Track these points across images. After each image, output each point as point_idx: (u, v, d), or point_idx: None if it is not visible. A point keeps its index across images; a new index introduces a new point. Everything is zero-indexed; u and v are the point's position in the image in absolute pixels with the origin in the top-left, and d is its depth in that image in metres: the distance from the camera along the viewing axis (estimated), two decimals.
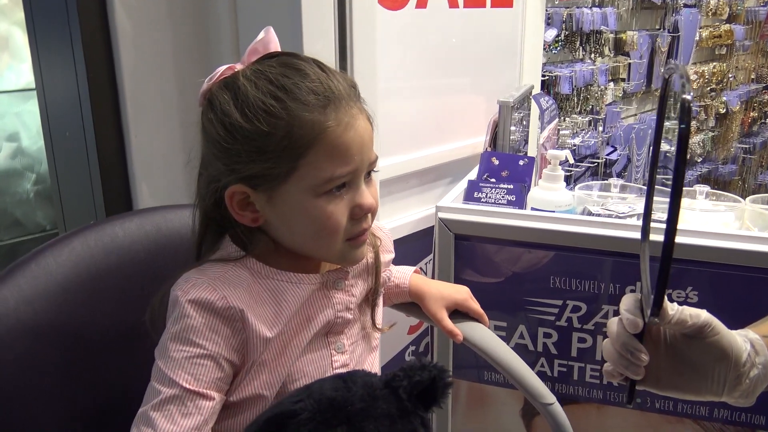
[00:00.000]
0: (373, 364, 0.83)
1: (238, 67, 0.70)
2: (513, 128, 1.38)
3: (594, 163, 2.28)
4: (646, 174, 2.64)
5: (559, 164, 1.21)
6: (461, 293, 0.95)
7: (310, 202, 0.67)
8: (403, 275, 0.95)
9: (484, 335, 0.91)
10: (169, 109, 1.11)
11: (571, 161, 1.21)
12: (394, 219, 1.47)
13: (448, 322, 0.91)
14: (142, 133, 1.09)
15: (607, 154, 2.35)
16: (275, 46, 0.71)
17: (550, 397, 0.87)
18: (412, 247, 1.51)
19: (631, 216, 1.16)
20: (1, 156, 2.34)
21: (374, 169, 0.72)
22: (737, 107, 3.43)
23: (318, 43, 1.05)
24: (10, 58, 2.22)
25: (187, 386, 0.64)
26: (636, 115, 2.70)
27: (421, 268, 1.57)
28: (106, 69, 1.05)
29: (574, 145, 2.16)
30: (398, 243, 1.47)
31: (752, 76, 3.75)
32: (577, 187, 1.23)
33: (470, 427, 1.34)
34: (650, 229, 0.71)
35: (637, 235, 1.12)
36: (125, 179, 1.10)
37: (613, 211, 1.17)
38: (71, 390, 0.78)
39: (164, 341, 0.67)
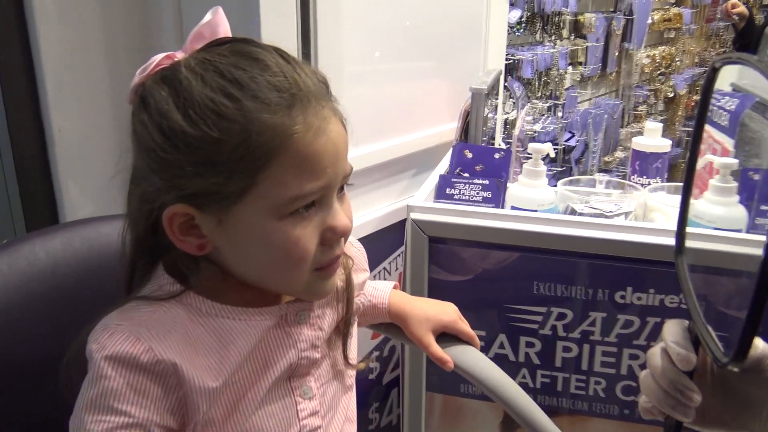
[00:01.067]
0: (348, 407, 0.71)
1: (179, 56, 0.56)
2: (489, 115, 1.28)
3: (554, 149, 2.21)
4: (601, 160, 2.61)
5: (541, 158, 1.11)
6: (448, 313, 0.83)
7: (272, 225, 0.54)
8: (381, 293, 0.82)
9: (477, 362, 0.80)
10: (99, 100, 0.94)
11: (552, 155, 1.11)
12: (357, 216, 1.34)
13: (436, 348, 0.79)
14: (67, 128, 0.92)
15: (566, 141, 2.29)
16: (225, 30, 0.58)
17: None
18: (378, 245, 1.39)
19: (618, 215, 1.07)
20: None
21: (347, 183, 0.59)
22: (683, 91, 3.45)
23: (276, 25, 0.91)
24: None
25: None
26: (591, 99, 2.64)
27: (385, 269, 1.45)
28: (20, 53, 0.87)
29: (535, 132, 2.08)
30: (363, 242, 1.37)
31: (696, 60, 3.78)
32: (559, 183, 1.13)
33: None
34: (686, 235, 0.61)
35: (627, 236, 1.05)
36: (48, 184, 0.93)
37: (600, 210, 1.08)
38: None
39: (78, 410, 0.53)
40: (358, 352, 1.47)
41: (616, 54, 2.65)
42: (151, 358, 0.52)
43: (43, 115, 0.92)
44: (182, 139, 0.52)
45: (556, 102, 2.18)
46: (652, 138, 1.22)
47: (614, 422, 1.12)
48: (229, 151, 0.51)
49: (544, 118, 2.13)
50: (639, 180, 1.23)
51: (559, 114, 2.22)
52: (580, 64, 2.36)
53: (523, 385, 1.13)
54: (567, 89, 2.28)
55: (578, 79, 2.38)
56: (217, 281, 0.59)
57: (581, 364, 1.10)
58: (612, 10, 2.61)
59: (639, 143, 1.23)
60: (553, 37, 2.10)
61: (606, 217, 1.07)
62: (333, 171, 0.55)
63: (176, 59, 0.55)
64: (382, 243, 1.40)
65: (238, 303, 0.59)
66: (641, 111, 3.00)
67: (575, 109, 2.39)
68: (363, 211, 1.35)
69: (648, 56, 2.95)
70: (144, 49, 0.97)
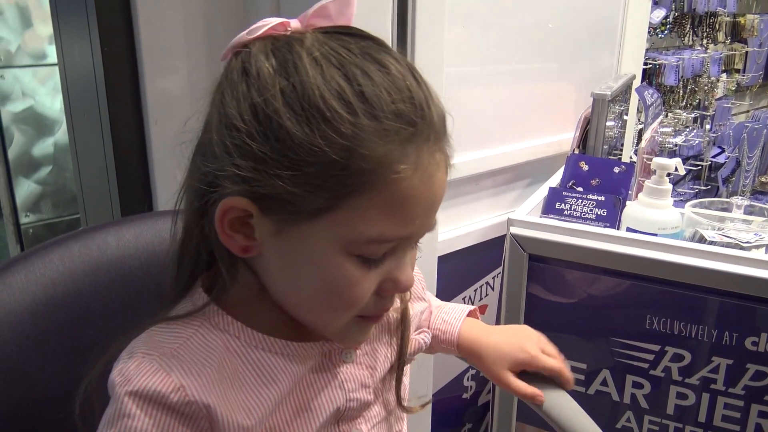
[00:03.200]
0: None
1: (294, 25, 0.48)
2: (610, 123, 1.15)
3: (697, 165, 1.98)
4: (756, 180, 2.32)
5: (667, 176, 0.97)
6: (527, 349, 0.70)
7: (336, 258, 0.47)
8: (451, 326, 0.72)
9: (563, 407, 0.69)
10: (194, 94, 0.95)
11: (682, 172, 0.97)
12: (459, 226, 1.27)
13: (518, 385, 0.68)
14: (163, 119, 0.93)
15: (713, 156, 2.05)
16: (352, 14, 0.49)
17: None
18: (479, 259, 1.31)
19: (758, 247, 0.92)
20: (63, 130, 2.28)
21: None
22: None
23: (371, 17, 0.86)
24: None
25: None
26: (749, 111, 2.36)
27: (488, 283, 1.36)
28: (123, 39, 0.89)
29: (676, 145, 1.87)
30: (463, 254, 1.28)
31: None
32: (687, 205, 0.99)
33: None
34: None
35: (766, 273, 0.89)
36: (144, 174, 0.95)
37: (734, 239, 0.93)
38: None
39: None
40: (449, 368, 1.40)
41: None
42: (182, 398, 0.46)
43: (142, 107, 0.94)
44: (276, 132, 0.44)
45: (704, 113, 1.96)
46: None
47: None
48: (323, 163, 0.44)
49: (688, 130, 1.92)
50: None
51: (707, 126, 1.99)
52: (738, 71, 2.11)
53: (627, 430, 1.01)
54: (719, 99, 2.04)
55: (734, 89, 2.12)
56: (250, 296, 0.52)
57: (699, 415, 0.95)
58: None
59: None
60: (705, 41, 1.89)
61: (742, 248, 0.92)
62: (422, 223, 0.48)
63: (290, 30, 0.48)
64: (487, 256, 1.31)
65: (276, 333, 0.52)
66: None
67: (728, 122, 2.14)
68: (465, 221, 1.27)
69: None
70: (243, 21, 0.96)
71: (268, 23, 0.47)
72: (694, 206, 0.99)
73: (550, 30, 1.30)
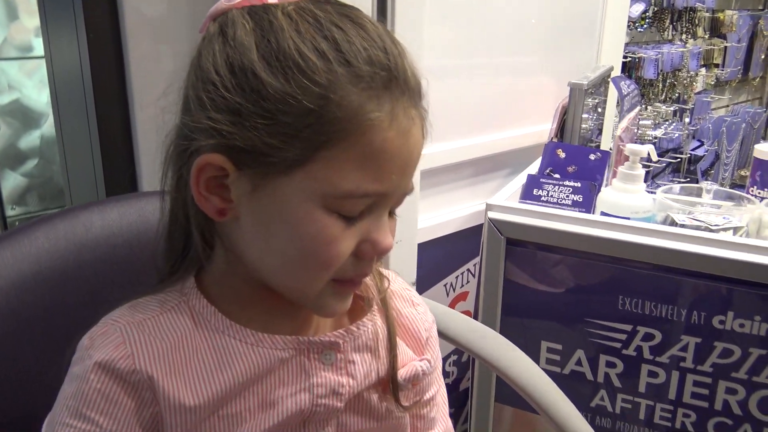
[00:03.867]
0: None
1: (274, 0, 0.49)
2: (585, 116, 1.18)
3: (676, 158, 2.02)
4: (735, 173, 2.36)
5: (640, 161, 1.00)
6: None
7: (311, 212, 0.46)
8: None
9: (523, 367, 0.72)
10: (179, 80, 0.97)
11: (655, 158, 1.00)
12: (440, 213, 1.29)
13: None
14: (147, 101, 0.95)
15: (693, 149, 2.09)
16: None
17: None
18: (461, 246, 1.33)
19: (726, 229, 0.95)
20: (49, 123, 2.29)
21: (400, 205, 0.52)
22: None
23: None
24: None
25: None
26: (729, 106, 2.40)
27: (469, 270, 1.39)
28: (110, 38, 0.91)
29: (656, 138, 1.91)
30: (444, 241, 1.31)
31: None
32: (659, 190, 1.02)
33: None
34: None
35: (733, 254, 0.92)
36: (131, 165, 0.96)
37: (704, 222, 0.96)
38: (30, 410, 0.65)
39: (56, 404, 0.50)
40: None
41: (762, 57, 2.39)
42: (128, 365, 0.48)
43: (128, 98, 0.96)
44: (251, 82, 0.45)
45: (683, 107, 2.00)
46: None
47: None
48: (298, 113, 0.44)
49: (668, 123, 1.95)
50: (759, 193, 1.08)
51: (686, 120, 2.03)
52: (717, 66, 2.15)
53: (601, 409, 1.04)
54: (698, 93, 2.08)
55: (713, 83, 2.16)
56: (228, 273, 0.53)
57: (668, 392, 0.99)
58: (761, 8, 2.36)
59: (762, 150, 1.08)
60: (684, 36, 1.92)
61: (710, 230, 0.95)
62: (398, 180, 0.48)
63: (270, 1, 0.48)
64: (468, 243, 1.34)
65: (250, 320, 0.52)
66: None
67: (707, 116, 2.18)
68: (446, 209, 1.30)
69: None
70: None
71: None
72: (666, 191, 1.02)
73: (531, 23, 1.33)
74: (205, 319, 0.51)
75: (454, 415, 1.50)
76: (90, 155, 1.00)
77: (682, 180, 2.01)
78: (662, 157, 2.00)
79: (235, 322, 0.52)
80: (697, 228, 0.95)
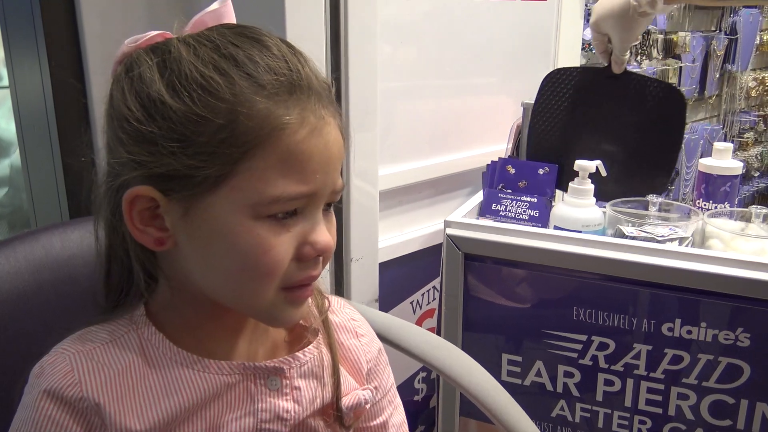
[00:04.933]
0: None
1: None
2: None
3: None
4: (695, 189, 2.43)
5: (588, 176, 1.04)
6: None
7: (244, 225, 0.48)
8: None
9: (478, 379, 0.75)
10: None
11: (603, 173, 1.04)
12: (403, 232, 1.32)
13: None
14: None
15: None
16: (230, 21, 0.53)
17: None
18: (425, 264, 1.36)
19: (672, 240, 0.99)
20: (17, 154, 2.29)
21: (334, 201, 0.54)
22: None
23: (304, 31, 0.91)
24: None
25: None
26: (687, 123, 2.48)
27: (435, 287, 1.42)
28: (72, 67, 0.93)
29: None
30: (407, 259, 1.34)
31: None
32: (608, 204, 1.06)
33: None
34: None
35: (678, 263, 0.96)
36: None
37: (651, 234, 1.00)
38: None
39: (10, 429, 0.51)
40: (400, 370, 1.44)
41: (717, 76, 2.48)
42: (76, 393, 0.49)
43: (90, 122, 0.98)
44: (161, 111, 0.47)
45: None
46: (721, 159, 1.12)
47: None
48: (211, 131, 0.46)
49: None
50: (704, 205, 1.13)
51: None
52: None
53: (562, 419, 1.07)
54: None
55: None
56: (174, 299, 0.54)
57: (624, 400, 1.02)
58: (713, 29, 2.45)
59: (706, 164, 1.13)
60: (639, 57, 1.99)
61: (657, 241, 0.99)
62: (323, 179, 0.49)
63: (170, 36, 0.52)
64: (433, 262, 1.37)
65: (194, 348, 0.53)
66: (747, 138, 2.78)
67: None
68: (409, 228, 1.33)
69: (755, 79, 2.74)
70: None
71: (148, 34, 0.52)
72: (615, 205, 1.06)
73: (487, 46, 1.38)
74: (153, 346, 0.53)
75: None
76: (54, 181, 1.02)
77: None
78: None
79: (183, 348, 0.53)
80: (645, 239, 0.99)
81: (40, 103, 1.00)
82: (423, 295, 1.41)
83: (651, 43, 2.01)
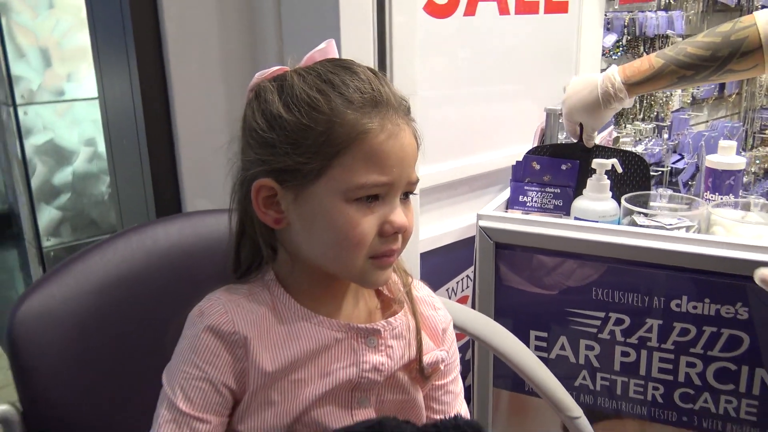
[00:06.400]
0: (410, 412, 0.73)
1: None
2: (561, 136, 1.36)
3: (658, 171, 2.20)
4: (703, 182, 2.52)
5: (605, 173, 1.18)
6: None
7: (338, 206, 0.63)
8: None
9: (510, 343, 0.90)
10: (216, 117, 1.16)
11: (619, 170, 1.18)
12: (441, 225, 1.47)
13: None
14: (190, 140, 1.14)
15: (673, 162, 2.26)
16: (334, 56, 0.69)
17: (576, 411, 0.85)
18: (460, 255, 1.51)
19: (679, 228, 1.12)
20: (80, 159, 2.49)
21: (413, 192, 0.67)
22: None
23: (356, 50, 1.07)
24: (89, 68, 2.37)
25: (183, 409, 0.63)
26: (708, 122, 2.58)
27: (468, 276, 1.56)
28: (158, 79, 1.11)
29: (637, 153, 2.09)
30: (444, 250, 1.49)
31: None
32: (623, 198, 1.19)
33: None
34: None
35: (684, 247, 1.09)
36: (175, 183, 1.15)
37: (660, 222, 1.13)
38: (113, 382, 0.83)
39: (174, 355, 0.66)
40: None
41: None
42: (230, 328, 0.64)
43: (173, 132, 1.15)
44: (279, 123, 0.63)
45: (661, 124, 2.18)
46: (726, 156, 1.24)
47: (673, 428, 1.16)
48: (314, 136, 0.61)
49: (648, 140, 2.13)
50: (711, 197, 1.26)
51: (665, 136, 2.21)
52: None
53: (584, 387, 1.21)
54: (675, 111, 2.26)
55: (689, 101, 2.34)
56: (292, 268, 0.68)
57: (639, 369, 1.15)
58: None
59: (712, 161, 1.26)
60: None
61: (666, 229, 1.12)
62: (398, 172, 0.63)
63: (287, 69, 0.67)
64: (468, 252, 1.51)
65: (312, 306, 0.67)
66: None
67: (687, 131, 2.35)
68: (447, 221, 1.48)
69: None
70: (250, 70, 1.18)
71: (272, 69, 0.68)
72: (628, 199, 1.20)
73: (513, 57, 1.52)
74: (281, 303, 0.68)
75: None
76: (141, 183, 1.20)
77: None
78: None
79: (304, 306, 0.67)
80: (655, 227, 1.13)
81: (130, 113, 1.17)
82: (458, 283, 1.56)
83: (669, 45, 2.13)
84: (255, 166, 0.65)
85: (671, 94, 2.19)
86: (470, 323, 0.96)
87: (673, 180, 2.29)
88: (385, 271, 0.67)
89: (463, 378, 1.50)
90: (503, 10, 1.46)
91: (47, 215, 2.47)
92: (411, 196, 0.67)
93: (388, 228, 0.64)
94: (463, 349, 1.61)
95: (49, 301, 0.79)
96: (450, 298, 1.54)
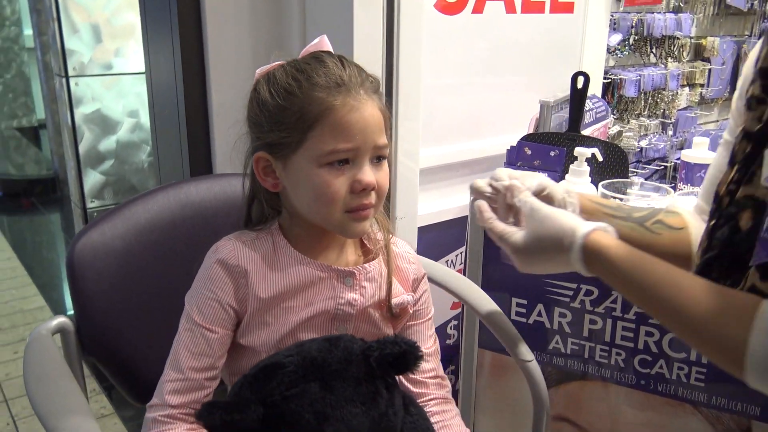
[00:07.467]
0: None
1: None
2: (554, 125, 1.50)
3: (661, 166, 2.32)
4: (678, 174, 2.62)
5: (585, 161, 1.32)
6: None
7: (313, 170, 0.77)
8: None
9: (479, 295, 1.06)
10: (245, 93, 1.33)
11: (599, 159, 1.32)
12: (441, 202, 1.63)
13: None
14: (222, 113, 1.32)
15: (677, 159, 2.38)
16: (327, 49, 0.84)
17: (528, 355, 1.00)
18: (455, 232, 1.66)
19: None
20: (124, 129, 2.70)
21: (384, 155, 0.80)
22: None
23: (368, 44, 1.23)
24: (136, 44, 2.57)
25: (198, 321, 0.80)
26: (717, 121, 2.68)
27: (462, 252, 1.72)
28: (197, 57, 1.28)
29: (640, 148, 2.21)
30: (444, 226, 1.65)
31: None
32: (601, 184, 1.33)
33: (493, 393, 1.49)
34: None
35: None
36: (207, 149, 1.34)
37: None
38: (148, 304, 1.01)
39: (195, 281, 0.84)
40: (437, 319, 1.76)
41: None
42: (235, 261, 0.81)
43: (208, 106, 1.33)
44: (265, 107, 0.79)
45: (666, 121, 2.29)
46: (699, 151, 1.37)
47: (632, 390, 1.30)
48: (291, 115, 0.77)
49: (652, 135, 2.25)
50: (684, 187, 1.39)
51: (670, 132, 2.32)
52: (702, 86, 2.43)
53: (557, 350, 1.36)
54: (682, 109, 2.36)
55: (697, 101, 2.44)
56: (290, 221, 0.85)
57: (605, 336, 1.30)
58: (748, 34, 2.63)
59: (686, 155, 1.39)
60: (666, 60, 2.22)
61: None
62: (362, 138, 0.76)
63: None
64: (464, 229, 1.67)
65: (305, 251, 0.83)
66: None
67: (695, 129, 2.46)
68: (447, 199, 1.63)
69: None
70: (277, 47, 1.35)
71: (271, 65, 0.83)
72: (605, 185, 1.34)
73: (518, 52, 1.66)
74: (280, 247, 0.84)
75: (454, 371, 1.82)
76: (179, 145, 1.38)
77: (668, 185, 2.30)
78: (649, 165, 2.31)
79: (297, 251, 0.84)
80: None
81: (171, 86, 1.35)
82: (456, 256, 1.72)
83: (681, 48, 2.23)
84: (253, 140, 0.83)
85: (677, 93, 2.30)
86: (442, 276, 1.12)
87: (675, 175, 2.41)
88: (360, 223, 0.81)
89: (458, 344, 1.66)
90: (510, 9, 1.60)
91: (92, 179, 2.69)
92: (383, 159, 0.81)
93: (357, 185, 0.78)
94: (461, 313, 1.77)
95: (101, 237, 0.97)
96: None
